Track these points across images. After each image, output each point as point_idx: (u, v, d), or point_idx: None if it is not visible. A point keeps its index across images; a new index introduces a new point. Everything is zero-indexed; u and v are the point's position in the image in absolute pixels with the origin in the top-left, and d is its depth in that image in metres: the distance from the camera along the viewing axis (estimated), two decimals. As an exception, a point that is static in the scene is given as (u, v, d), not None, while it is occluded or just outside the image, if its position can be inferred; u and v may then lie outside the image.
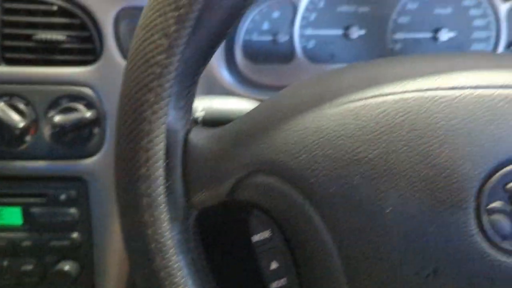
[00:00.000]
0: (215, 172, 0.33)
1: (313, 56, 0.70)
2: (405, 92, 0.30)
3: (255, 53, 0.71)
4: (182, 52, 0.30)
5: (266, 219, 0.34)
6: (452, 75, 0.31)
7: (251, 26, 0.70)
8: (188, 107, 0.33)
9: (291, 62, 0.70)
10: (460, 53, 0.34)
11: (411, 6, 0.67)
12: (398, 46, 0.69)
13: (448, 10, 0.67)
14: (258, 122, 0.33)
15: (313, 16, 0.69)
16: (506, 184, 0.29)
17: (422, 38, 0.68)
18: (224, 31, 0.32)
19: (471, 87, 0.30)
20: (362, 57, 0.69)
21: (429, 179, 0.29)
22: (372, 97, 0.31)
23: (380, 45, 0.69)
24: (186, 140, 0.33)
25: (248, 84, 0.68)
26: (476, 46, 0.68)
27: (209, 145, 0.33)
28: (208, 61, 0.33)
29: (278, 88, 0.70)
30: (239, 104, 0.44)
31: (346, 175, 0.30)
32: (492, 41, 0.67)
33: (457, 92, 0.30)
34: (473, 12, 0.67)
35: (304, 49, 0.70)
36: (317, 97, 0.32)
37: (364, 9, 0.68)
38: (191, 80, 0.32)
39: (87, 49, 0.59)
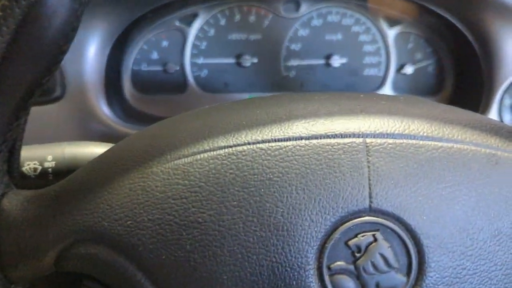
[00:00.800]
0: (33, 243, 0.28)
1: (206, 86, 0.67)
2: (237, 145, 0.28)
3: (145, 84, 0.67)
4: None
5: None
6: (288, 124, 0.28)
7: (139, 56, 0.66)
8: (1, 169, 0.29)
9: (184, 92, 0.67)
10: (303, 96, 0.32)
11: (303, 32, 0.66)
12: (292, 73, 0.67)
13: (338, 36, 0.67)
14: (81, 182, 0.29)
15: (204, 45, 0.66)
16: (348, 241, 0.27)
17: (315, 64, 0.67)
18: (37, 82, 0.28)
19: (306, 137, 0.28)
20: (257, 85, 0.68)
21: (266, 240, 0.27)
22: (202, 151, 0.28)
23: (274, 73, 0.67)
24: None
25: (136, 117, 0.64)
26: (368, 71, 0.68)
27: (26, 212, 0.29)
28: (25, 113, 0.29)
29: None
30: (96, 150, 0.40)
31: (177, 241, 0.27)
32: (383, 66, 0.68)
33: (291, 144, 0.27)
34: (363, 38, 0.67)
35: (197, 79, 0.67)
36: (146, 152, 0.29)
37: (255, 36, 0.66)
38: (1, 139, 0.28)
39: None
